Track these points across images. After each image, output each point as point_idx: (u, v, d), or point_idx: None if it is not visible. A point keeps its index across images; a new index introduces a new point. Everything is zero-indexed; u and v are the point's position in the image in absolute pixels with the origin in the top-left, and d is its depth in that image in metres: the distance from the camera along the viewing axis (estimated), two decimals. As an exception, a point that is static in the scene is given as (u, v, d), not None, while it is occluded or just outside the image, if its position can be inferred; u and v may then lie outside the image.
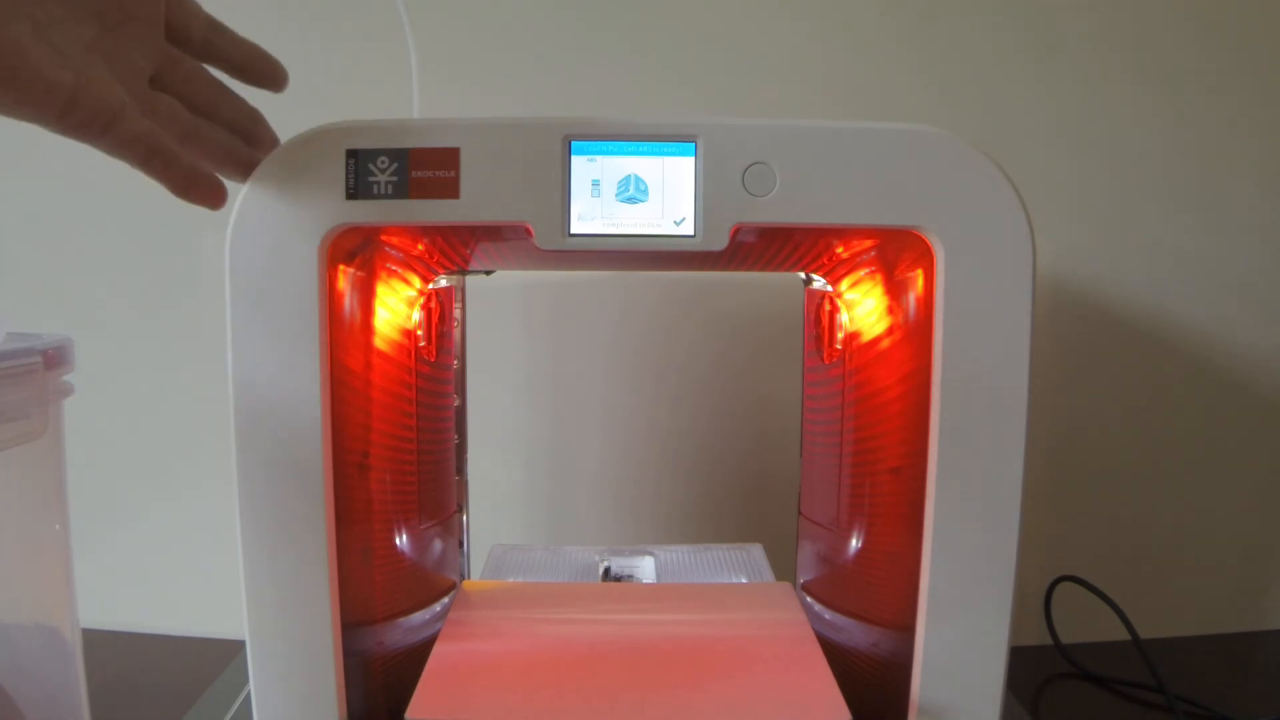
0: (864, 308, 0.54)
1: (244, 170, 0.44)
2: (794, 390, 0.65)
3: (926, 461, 0.47)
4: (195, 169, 0.40)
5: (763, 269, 0.60)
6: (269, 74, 0.45)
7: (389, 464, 0.54)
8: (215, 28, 0.44)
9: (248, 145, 0.45)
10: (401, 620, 0.56)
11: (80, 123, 0.36)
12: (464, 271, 0.63)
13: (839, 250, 0.53)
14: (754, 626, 0.56)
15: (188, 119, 0.42)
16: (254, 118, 0.45)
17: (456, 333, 0.63)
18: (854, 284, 0.55)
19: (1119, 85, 0.81)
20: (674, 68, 0.80)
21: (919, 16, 0.80)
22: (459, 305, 0.64)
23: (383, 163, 0.45)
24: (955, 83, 0.80)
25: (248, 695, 0.49)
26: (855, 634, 0.56)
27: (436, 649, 0.52)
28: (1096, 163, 0.82)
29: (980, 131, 0.80)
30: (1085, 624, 0.76)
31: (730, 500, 0.85)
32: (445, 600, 0.60)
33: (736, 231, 0.46)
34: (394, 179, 0.45)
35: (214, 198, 0.41)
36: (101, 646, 0.63)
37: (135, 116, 0.38)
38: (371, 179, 0.45)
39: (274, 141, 0.46)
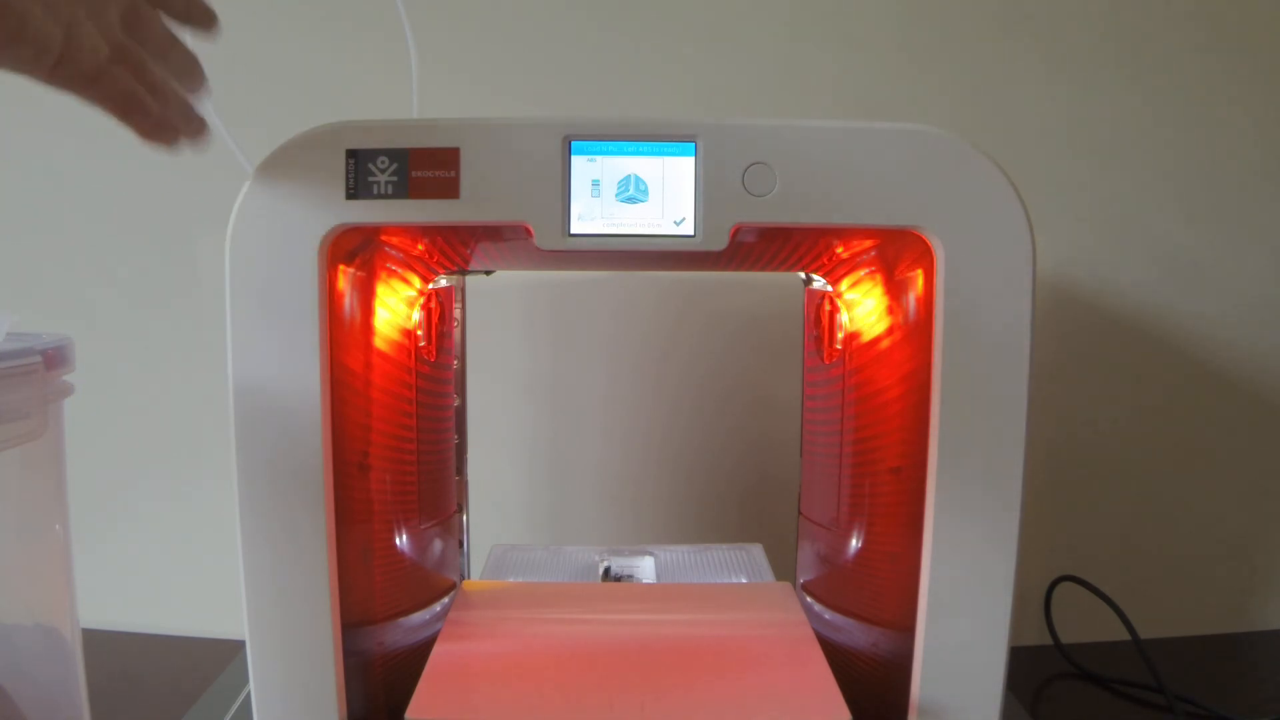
0: (864, 308, 0.54)
1: (196, 128, 0.44)
2: (794, 390, 0.65)
3: (926, 461, 0.47)
4: (163, 117, 0.42)
5: (763, 269, 0.60)
6: (206, 20, 0.46)
7: (389, 464, 0.54)
8: None
9: (189, 90, 0.45)
10: (401, 620, 0.56)
11: (69, 76, 0.38)
12: (464, 271, 0.63)
13: (839, 250, 0.53)
14: (754, 626, 0.56)
15: (154, 71, 0.43)
16: (195, 63, 0.45)
17: (456, 333, 0.63)
18: (854, 284, 0.55)
19: (1119, 85, 0.81)
20: (674, 68, 0.80)
21: (919, 17, 0.80)
22: (459, 305, 0.64)
23: (383, 163, 0.45)
24: (955, 83, 0.80)
25: (248, 695, 0.49)
26: (855, 634, 0.56)
27: (436, 649, 0.52)
28: (1097, 163, 0.82)
29: (980, 131, 0.80)
30: (1085, 624, 0.76)
31: (730, 500, 0.85)
32: (445, 600, 0.60)
33: (736, 231, 0.46)
34: (394, 179, 0.45)
35: (174, 140, 0.43)
36: (101, 646, 0.63)
37: (118, 70, 0.39)
38: (371, 179, 0.45)
39: (206, 84, 0.46)
